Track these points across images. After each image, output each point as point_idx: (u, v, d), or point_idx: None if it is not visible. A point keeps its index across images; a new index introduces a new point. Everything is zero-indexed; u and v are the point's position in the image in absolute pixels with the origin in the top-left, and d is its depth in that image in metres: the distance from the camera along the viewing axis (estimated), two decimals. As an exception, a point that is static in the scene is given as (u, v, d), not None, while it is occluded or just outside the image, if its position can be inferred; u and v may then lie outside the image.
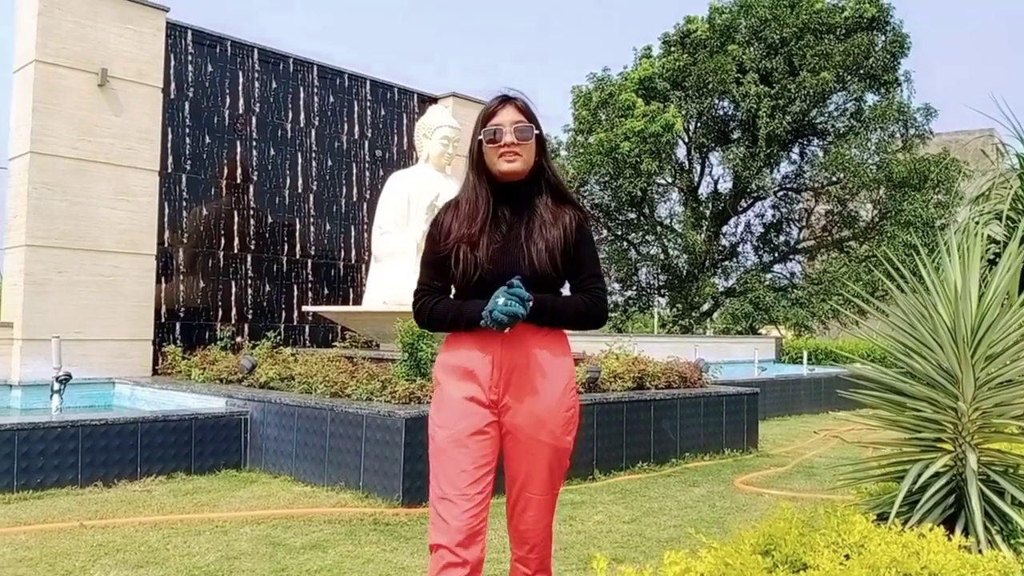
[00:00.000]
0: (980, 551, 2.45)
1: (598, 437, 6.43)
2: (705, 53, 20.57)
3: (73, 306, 8.11)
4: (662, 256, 22.85)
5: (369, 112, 10.98)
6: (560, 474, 2.42)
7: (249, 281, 9.70)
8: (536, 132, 2.37)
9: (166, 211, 8.98)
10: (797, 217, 23.63)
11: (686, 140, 22.44)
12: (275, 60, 10.07)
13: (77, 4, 8.24)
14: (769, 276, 22.28)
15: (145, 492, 5.50)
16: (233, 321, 9.48)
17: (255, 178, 9.80)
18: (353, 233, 10.76)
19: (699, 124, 22.03)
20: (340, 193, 10.64)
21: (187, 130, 9.22)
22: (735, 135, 21.77)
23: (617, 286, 23.83)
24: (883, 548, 2.23)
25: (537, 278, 2.28)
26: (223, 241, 9.47)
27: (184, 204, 9.16)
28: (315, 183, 10.38)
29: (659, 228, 22.79)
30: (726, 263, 23.13)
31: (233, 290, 9.54)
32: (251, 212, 9.75)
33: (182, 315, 9.08)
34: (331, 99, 10.57)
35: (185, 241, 9.14)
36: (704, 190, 23.28)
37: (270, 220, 9.94)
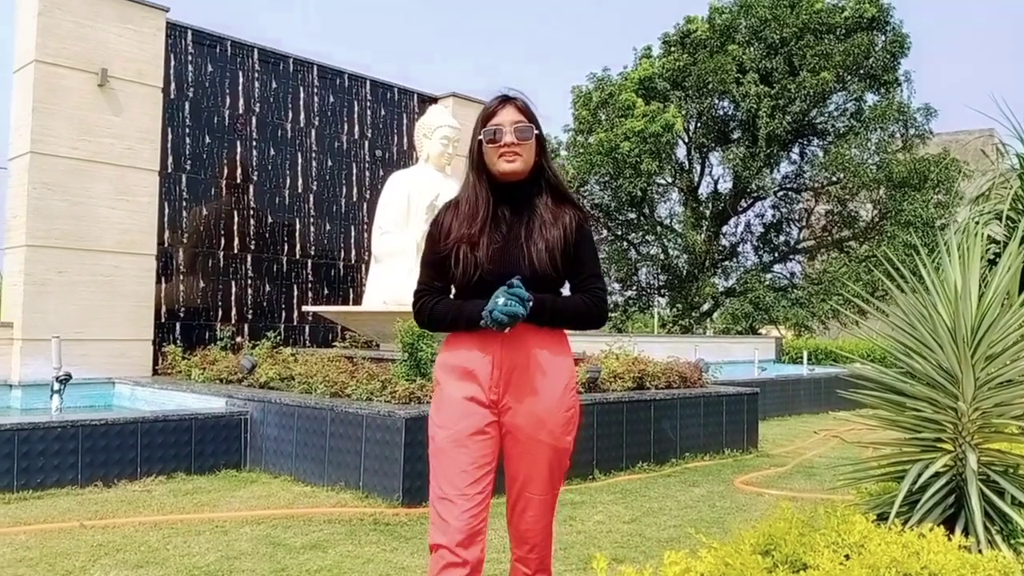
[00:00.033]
0: (980, 551, 2.45)
1: (598, 437, 6.43)
2: (705, 53, 20.57)
3: (73, 306, 8.11)
4: (662, 256, 22.85)
5: (369, 112, 10.98)
6: (560, 474, 2.42)
7: (249, 281, 9.70)
8: (536, 132, 2.37)
9: (166, 211, 8.98)
10: (797, 217, 23.64)
11: (686, 140, 22.44)
12: (275, 60, 10.07)
13: (77, 4, 8.24)
14: (769, 276, 22.28)
15: (145, 492, 5.50)
16: (233, 321, 9.48)
17: (255, 178, 9.80)
18: (353, 233, 10.76)
19: (699, 124, 22.03)
20: (340, 193, 10.64)
21: (187, 130, 9.22)
22: (735, 135, 21.77)
23: (617, 286, 23.83)
24: (883, 548, 2.23)
25: (537, 278, 2.28)
26: (223, 241, 9.48)
27: (184, 204, 9.16)
28: (315, 183, 10.38)
29: (659, 228, 22.80)
30: (726, 263, 23.14)
31: (233, 290, 9.54)
32: (251, 212, 9.75)
33: (182, 315, 9.08)
34: (331, 99, 10.57)
35: (185, 241, 9.14)
36: (704, 190, 23.31)
37: (270, 220, 9.94)
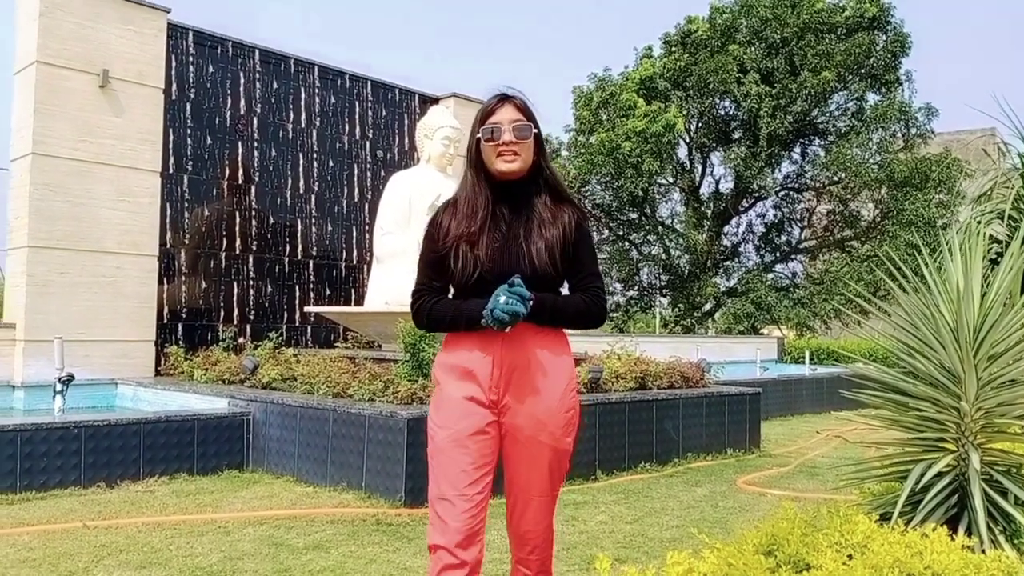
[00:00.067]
0: (983, 551, 2.45)
1: (600, 437, 6.43)
2: (706, 53, 20.57)
3: (75, 307, 8.12)
4: (664, 256, 22.84)
5: (370, 113, 10.98)
6: (560, 475, 2.41)
7: (251, 282, 9.70)
8: (535, 131, 2.36)
9: (168, 212, 8.99)
10: (799, 217, 23.63)
11: (687, 140, 22.43)
12: (276, 61, 10.08)
13: (78, 5, 8.25)
14: (771, 276, 22.27)
15: (148, 493, 5.50)
16: (235, 322, 9.49)
17: (256, 179, 9.81)
18: (355, 234, 10.76)
19: (700, 124, 22.02)
20: (341, 194, 10.64)
21: (188, 131, 9.23)
22: (736, 135, 21.77)
23: (619, 286, 23.82)
24: (886, 548, 2.23)
25: (537, 277, 2.27)
26: (225, 242, 9.48)
27: (186, 205, 9.17)
28: (316, 184, 10.38)
29: (660, 228, 22.79)
30: (728, 263, 23.13)
31: (235, 291, 9.55)
32: (253, 213, 9.76)
33: (184, 316, 9.08)
34: (332, 100, 10.58)
35: (187, 242, 9.15)
36: (705, 190, 23.30)
37: (272, 221, 9.94)
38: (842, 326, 21.11)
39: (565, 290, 2.44)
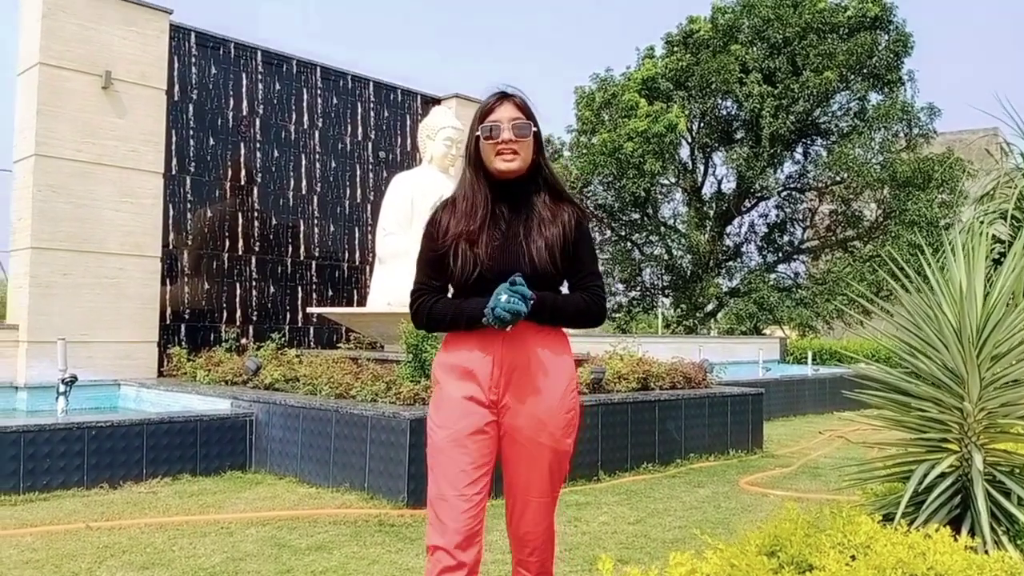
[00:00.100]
0: (986, 551, 2.45)
1: (603, 438, 6.43)
2: (708, 53, 20.55)
3: (78, 308, 8.13)
4: (666, 256, 22.83)
5: (372, 113, 10.99)
6: (560, 477, 2.39)
7: (254, 283, 9.71)
8: (534, 129, 2.34)
9: (170, 213, 9.00)
10: (801, 217, 23.60)
11: (689, 140, 22.41)
12: (278, 62, 10.09)
13: (81, 7, 8.27)
14: (773, 276, 22.24)
15: (151, 493, 5.51)
16: (238, 323, 9.49)
17: (259, 180, 9.82)
18: (357, 234, 10.77)
19: (702, 124, 22.01)
20: (344, 195, 10.65)
21: (191, 132, 9.24)
22: (738, 135, 21.75)
23: (621, 287, 23.81)
24: (889, 549, 2.23)
25: (537, 276, 2.26)
26: (227, 243, 9.49)
27: (188, 206, 9.18)
28: (319, 185, 10.39)
29: (663, 228, 22.77)
30: (730, 263, 23.10)
31: (238, 292, 9.56)
32: (255, 214, 9.77)
33: (187, 317, 9.09)
34: (334, 100, 10.59)
35: (190, 243, 9.16)
36: (708, 190, 23.27)
37: (274, 222, 9.95)
38: (844, 326, 21.10)
39: (564, 289, 2.43)
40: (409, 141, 11.25)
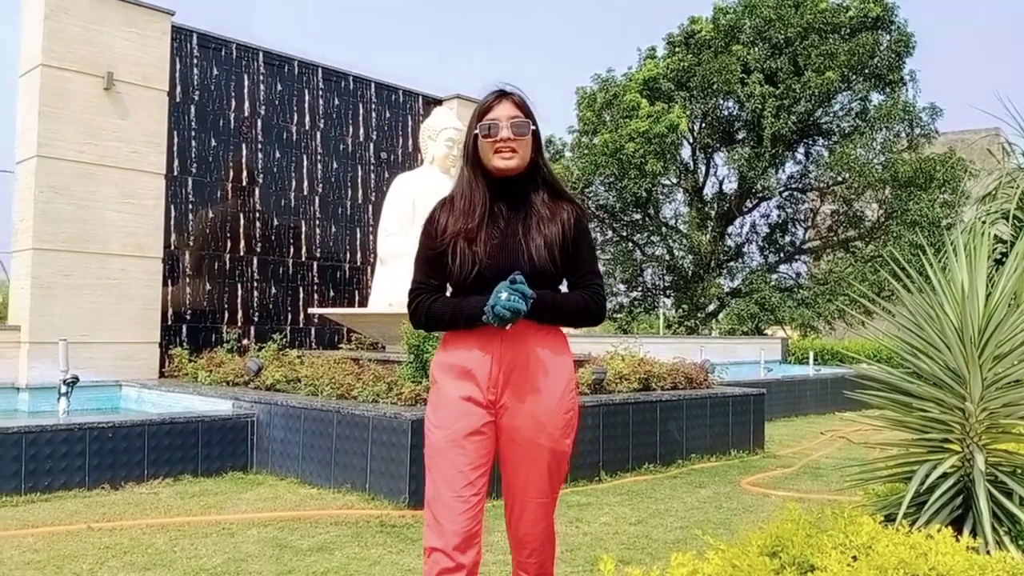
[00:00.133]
0: (988, 552, 2.45)
1: (604, 439, 6.42)
2: (709, 53, 20.55)
3: (80, 309, 8.14)
4: (667, 257, 22.82)
5: (374, 114, 11.00)
6: (559, 477, 2.38)
7: (255, 284, 9.72)
8: (533, 128, 2.34)
9: (172, 214, 9.01)
10: (802, 217, 23.58)
11: (691, 141, 22.40)
12: (280, 63, 10.09)
13: (83, 8, 8.27)
14: (775, 276, 22.22)
15: (152, 494, 5.51)
16: (239, 323, 9.50)
17: (261, 181, 9.83)
18: (358, 235, 10.78)
19: (704, 124, 22.00)
20: (345, 195, 10.66)
21: (193, 133, 9.25)
22: (740, 135, 21.73)
23: (622, 287, 23.79)
24: (891, 549, 2.22)
25: (537, 274, 2.24)
26: (229, 244, 9.50)
27: (190, 207, 9.19)
28: (320, 185, 10.40)
29: (664, 229, 22.76)
30: (731, 264, 23.09)
31: (239, 293, 9.56)
32: (257, 215, 9.77)
33: (188, 318, 9.10)
34: (336, 101, 10.59)
35: (191, 244, 9.17)
36: (709, 190, 23.26)
37: (276, 223, 9.96)
38: (846, 327, 21.07)
39: (564, 287, 2.42)
40: (411, 142, 11.25)
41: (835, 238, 22.84)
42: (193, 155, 9.23)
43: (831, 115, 21.21)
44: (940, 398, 2.80)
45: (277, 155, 9.99)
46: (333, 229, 10.52)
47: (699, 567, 2.13)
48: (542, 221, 2.31)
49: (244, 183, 9.67)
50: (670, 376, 7.56)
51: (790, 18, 20.06)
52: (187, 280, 9.12)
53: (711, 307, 22.52)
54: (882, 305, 3.34)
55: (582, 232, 2.37)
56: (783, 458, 7.68)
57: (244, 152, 9.70)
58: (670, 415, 7.06)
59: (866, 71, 20.32)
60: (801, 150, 22.35)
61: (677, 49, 21.44)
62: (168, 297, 8.91)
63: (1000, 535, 2.57)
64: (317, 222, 10.35)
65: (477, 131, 2.33)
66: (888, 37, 20.40)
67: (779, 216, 23.33)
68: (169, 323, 8.90)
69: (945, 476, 2.69)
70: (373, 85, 10.99)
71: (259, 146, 9.82)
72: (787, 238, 23.38)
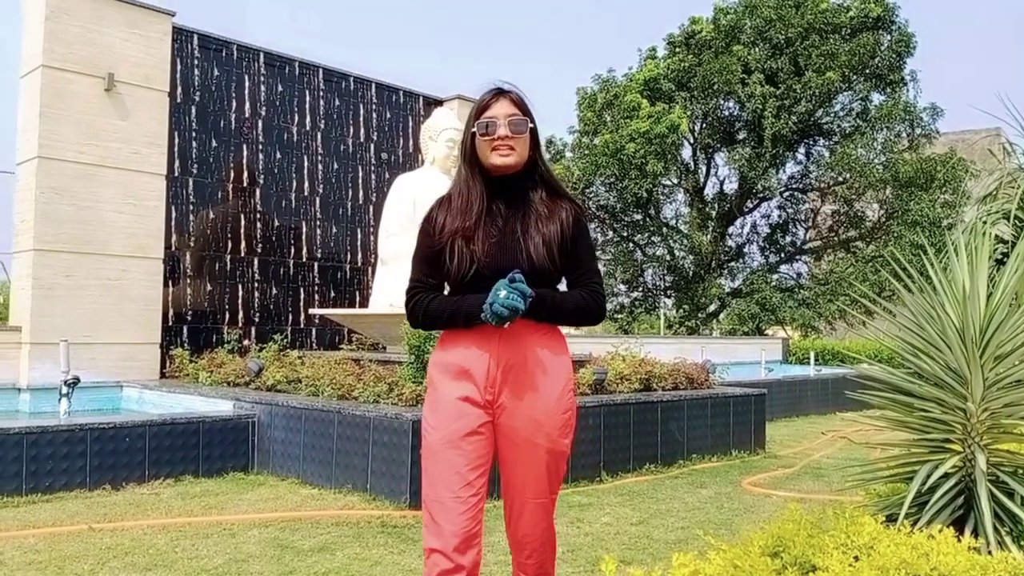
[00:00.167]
0: (990, 552, 2.44)
1: (605, 439, 6.42)
2: (710, 54, 20.55)
3: (81, 310, 8.15)
4: (668, 257, 22.82)
5: (375, 115, 11.00)
6: (558, 478, 2.37)
7: (256, 284, 9.72)
8: (531, 126, 2.32)
9: (173, 215, 9.01)
10: (803, 217, 23.58)
11: (691, 141, 22.41)
12: (281, 63, 10.10)
13: (84, 9, 8.28)
14: (775, 277, 22.22)
15: (153, 495, 5.51)
16: (240, 324, 9.50)
17: (261, 181, 9.83)
18: (359, 236, 10.78)
19: (704, 125, 22.00)
20: (346, 196, 10.66)
21: (194, 134, 9.25)
22: (741, 135, 21.74)
23: (623, 287, 23.79)
24: (892, 549, 2.22)
25: (535, 273, 2.23)
26: (230, 244, 9.50)
27: (191, 208, 9.19)
28: (321, 186, 10.40)
29: (665, 229, 22.77)
30: (732, 264, 23.09)
31: (240, 293, 9.56)
32: (258, 215, 9.78)
33: (189, 318, 9.11)
34: (337, 102, 10.60)
35: (192, 245, 9.17)
36: (710, 191, 23.27)
37: (277, 223, 9.96)
38: (847, 327, 21.07)
39: (563, 286, 2.41)
40: (411, 142, 11.26)
41: (836, 238, 22.84)
42: (194, 156, 9.24)
43: (832, 115, 21.21)
44: (941, 398, 2.80)
45: (278, 156, 9.99)
46: (334, 230, 10.52)
47: (700, 567, 2.13)
48: (540, 220, 2.30)
49: (245, 184, 9.67)
50: (671, 376, 7.56)
51: (791, 18, 20.06)
52: (188, 281, 9.12)
53: (712, 307, 22.53)
54: (883, 305, 3.34)
55: (581, 231, 2.36)
56: (784, 458, 7.67)
57: (245, 153, 9.70)
58: (671, 415, 7.06)
59: (867, 71, 20.32)
60: (802, 150, 22.36)
61: (678, 49, 21.45)
62: (169, 298, 8.92)
63: (1002, 535, 2.57)
64: (318, 223, 10.35)
65: (475, 129, 2.32)
66: (889, 37, 20.40)
67: (780, 216, 23.34)
68: (170, 324, 8.91)
69: (946, 476, 2.69)
70: (374, 86, 11.00)
71: (260, 147, 9.83)
72: (788, 238, 23.38)
